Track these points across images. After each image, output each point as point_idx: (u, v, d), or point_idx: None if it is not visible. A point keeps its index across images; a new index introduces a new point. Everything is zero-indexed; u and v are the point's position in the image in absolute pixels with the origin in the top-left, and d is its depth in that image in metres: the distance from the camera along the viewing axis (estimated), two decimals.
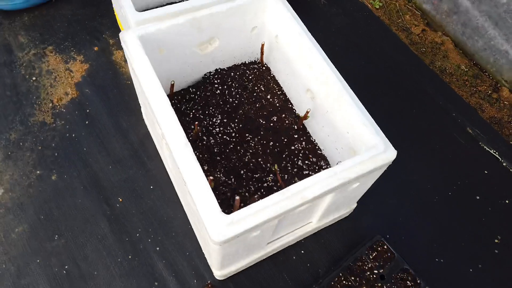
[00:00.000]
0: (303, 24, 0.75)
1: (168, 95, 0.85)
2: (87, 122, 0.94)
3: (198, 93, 0.87)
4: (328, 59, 0.71)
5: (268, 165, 0.79)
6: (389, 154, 0.64)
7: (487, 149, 1.04)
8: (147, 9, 1.02)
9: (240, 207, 0.61)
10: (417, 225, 0.89)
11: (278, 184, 0.77)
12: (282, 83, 0.88)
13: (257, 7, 0.79)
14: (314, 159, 0.81)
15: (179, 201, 0.86)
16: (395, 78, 1.14)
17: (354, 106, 0.66)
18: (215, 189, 0.74)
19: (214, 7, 0.75)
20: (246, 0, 0.76)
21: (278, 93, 0.89)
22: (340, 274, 0.78)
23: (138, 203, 0.86)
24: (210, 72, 0.89)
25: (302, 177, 0.78)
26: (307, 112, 0.77)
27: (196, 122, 0.77)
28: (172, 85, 0.81)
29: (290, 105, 0.87)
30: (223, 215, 0.56)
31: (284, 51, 0.82)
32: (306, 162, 0.81)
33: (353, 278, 0.77)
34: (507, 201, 0.95)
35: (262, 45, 0.84)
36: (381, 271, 0.78)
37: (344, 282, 0.77)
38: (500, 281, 0.83)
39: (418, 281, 0.77)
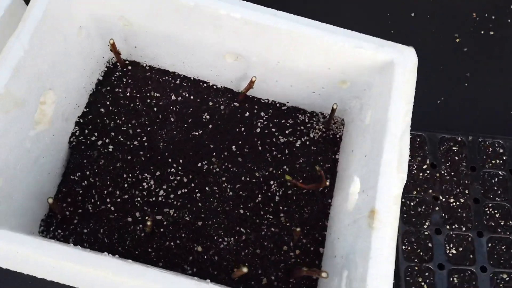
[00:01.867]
0: None
1: (54, 213, 0.51)
2: None
3: (88, 172, 0.53)
4: (242, 1, 0.44)
5: (257, 174, 0.55)
6: (411, 57, 0.44)
7: None
8: None
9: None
10: None
11: (297, 184, 0.55)
12: (173, 67, 0.58)
13: None
14: (290, 121, 0.59)
15: None
16: None
17: (331, 34, 0.43)
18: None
19: (13, 46, 0.38)
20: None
21: (178, 82, 0.59)
22: None
23: None
24: (74, 134, 0.54)
25: (300, 152, 0.57)
26: (252, 81, 0.51)
27: (148, 220, 0.47)
28: (54, 202, 0.47)
29: (207, 85, 0.59)
30: None
31: (151, 30, 0.51)
32: (287, 131, 0.58)
33: None
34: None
35: (113, 44, 0.50)
36: None
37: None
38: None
39: (460, 138, 0.68)
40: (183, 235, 0.52)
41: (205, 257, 0.51)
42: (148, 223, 0.45)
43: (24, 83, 0.41)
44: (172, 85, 0.58)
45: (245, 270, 0.43)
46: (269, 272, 0.50)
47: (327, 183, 0.50)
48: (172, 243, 0.51)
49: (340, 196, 0.51)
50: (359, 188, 0.44)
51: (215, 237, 0.52)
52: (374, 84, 0.47)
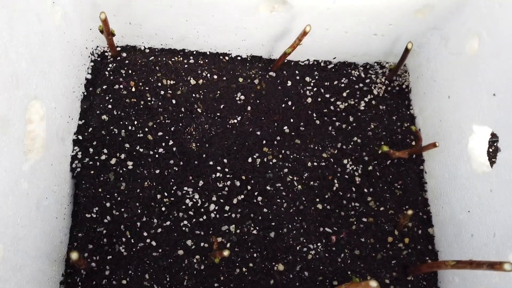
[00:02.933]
0: None
1: (75, 269, 0.37)
2: None
3: (108, 203, 0.39)
4: None
5: (324, 155, 0.43)
6: None
7: None
8: None
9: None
10: None
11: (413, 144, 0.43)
12: (181, 43, 0.44)
13: None
14: (343, 80, 0.46)
15: None
16: None
17: None
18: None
19: None
20: None
21: (192, 61, 0.45)
22: None
23: None
24: (75, 157, 0.39)
25: (367, 115, 0.45)
26: (306, 31, 0.38)
27: (215, 244, 0.34)
28: (78, 261, 0.33)
29: (229, 57, 0.46)
30: None
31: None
32: (344, 93, 0.46)
33: None
34: None
35: (105, 20, 0.36)
36: None
37: None
38: None
39: None
40: (255, 254, 0.39)
41: (291, 276, 0.39)
42: (225, 253, 0.32)
43: (1, 91, 0.26)
44: (186, 66, 0.44)
45: (374, 284, 0.31)
46: (380, 274, 0.39)
47: (434, 148, 0.38)
48: (243, 269, 0.39)
49: (442, 158, 0.39)
50: (489, 139, 0.32)
51: (298, 248, 0.39)
52: (469, 3, 0.36)
